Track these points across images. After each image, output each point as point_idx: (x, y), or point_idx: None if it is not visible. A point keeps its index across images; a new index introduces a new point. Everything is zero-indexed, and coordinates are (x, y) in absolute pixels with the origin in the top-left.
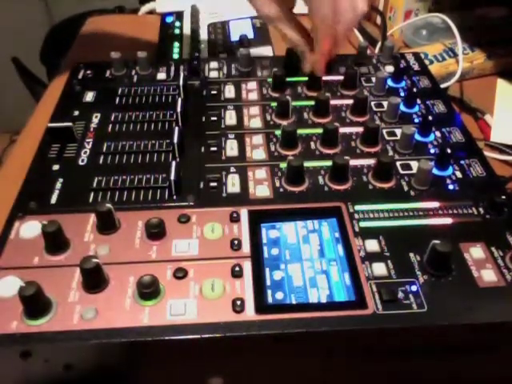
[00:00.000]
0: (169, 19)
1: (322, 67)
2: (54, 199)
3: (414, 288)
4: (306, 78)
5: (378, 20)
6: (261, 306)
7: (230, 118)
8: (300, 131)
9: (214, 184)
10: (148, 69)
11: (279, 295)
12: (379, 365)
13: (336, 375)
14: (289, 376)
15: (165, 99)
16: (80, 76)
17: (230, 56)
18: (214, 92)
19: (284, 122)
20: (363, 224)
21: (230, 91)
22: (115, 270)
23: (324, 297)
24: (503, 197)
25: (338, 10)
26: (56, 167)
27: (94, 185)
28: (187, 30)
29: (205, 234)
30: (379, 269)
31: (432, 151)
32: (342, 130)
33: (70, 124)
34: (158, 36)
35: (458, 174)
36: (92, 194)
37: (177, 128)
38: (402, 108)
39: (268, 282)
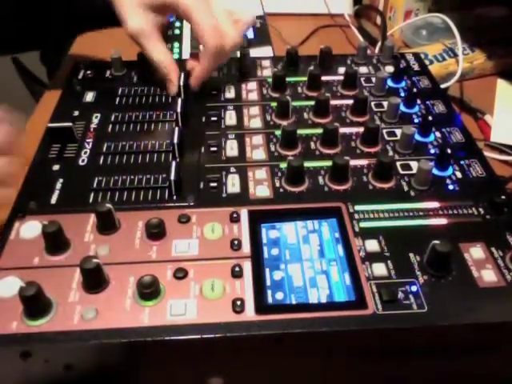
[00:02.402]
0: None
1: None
2: (54, 199)
3: (414, 288)
4: (305, 78)
5: (378, 20)
6: (261, 306)
7: (230, 118)
8: (300, 131)
9: (214, 184)
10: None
11: (279, 295)
12: (379, 365)
13: (336, 375)
14: (289, 376)
15: (165, 99)
16: (80, 76)
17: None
18: (213, 92)
19: (284, 122)
20: (363, 224)
21: (229, 91)
22: (115, 270)
23: (324, 297)
24: (503, 197)
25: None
26: (56, 167)
27: (94, 185)
28: (187, 30)
29: (205, 234)
30: (379, 269)
31: (432, 151)
32: (342, 130)
33: (69, 124)
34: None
35: (458, 174)
36: (92, 194)
37: (177, 128)
38: (402, 108)
39: (268, 282)
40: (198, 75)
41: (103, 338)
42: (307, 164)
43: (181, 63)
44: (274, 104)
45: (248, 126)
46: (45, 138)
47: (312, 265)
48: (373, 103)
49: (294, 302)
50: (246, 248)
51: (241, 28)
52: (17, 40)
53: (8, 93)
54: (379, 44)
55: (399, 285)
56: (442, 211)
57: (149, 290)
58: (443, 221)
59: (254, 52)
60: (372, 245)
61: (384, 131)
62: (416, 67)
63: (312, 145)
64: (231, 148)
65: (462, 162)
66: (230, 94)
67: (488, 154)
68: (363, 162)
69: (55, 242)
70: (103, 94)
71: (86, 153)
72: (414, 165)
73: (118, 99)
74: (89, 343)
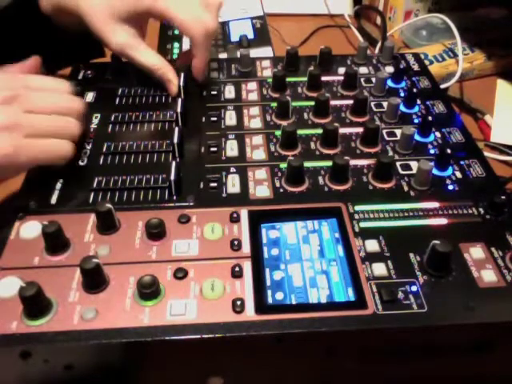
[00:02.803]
0: None
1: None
2: (54, 199)
3: (414, 288)
4: (305, 79)
5: (378, 20)
6: (261, 306)
7: (230, 118)
8: (300, 131)
9: (214, 184)
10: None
11: (279, 295)
12: (379, 365)
13: (336, 375)
14: (289, 376)
15: (165, 99)
16: (80, 76)
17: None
18: (214, 92)
19: (284, 123)
20: (363, 224)
21: (229, 91)
22: (115, 270)
23: (324, 297)
24: (503, 197)
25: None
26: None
27: (94, 185)
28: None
29: (205, 235)
30: (379, 269)
31: (432, 151)
32: (342, 130)
33: None
34: (157, 36)
35: (458, 175)
36: (92, 194)
37: (177, 128)
38: (402, 108)
39: (268, 282)
40: (198, 67)
41: (103, 338)
42: (307, 164)
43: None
44: (274, 104)
45: (248, 126)
46: None
47: (312, 265)
48: (373, 103)
49: (294, 302)
50: (246, 248)
51: (214, 12)
52: None
53: None
54: (379, 44)
55: (399, 285)
56: (442, 211)
57: (149, 290)
58: (443, 221)
59: (254, 52)
60: (372, 245)
61: (384, 131)
62: (416, 67)
63: (312, 145)
64: (231, 148)
65: (461, 162)
66: (230, 94)
67: (488, 154)
68: (363, 162)
69: (55, 242)
70: (103, 94)
71: (85, 153)
72: (414, 165)
73: (117, 99)
74: (89, 343)
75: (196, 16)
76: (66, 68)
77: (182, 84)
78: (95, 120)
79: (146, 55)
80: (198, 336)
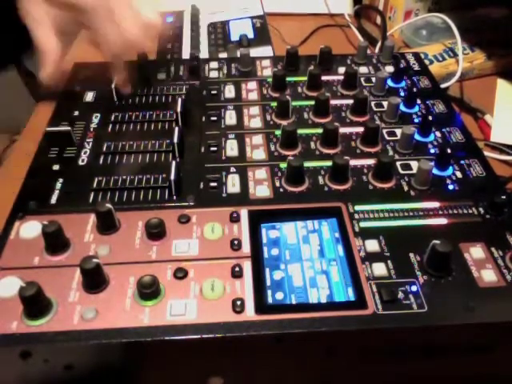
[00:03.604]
0: (169, 19)
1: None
2: (53, 199)
3: (414, 288)
4: (305, 78)
5: (378, 20)
6: (261, 306)
7: (230, 117)
8: (300, 131)
9: (213, 184)
10: None
11: (279, 295)
12: (379, 365)
13: (336, 375)
14: (289, 376)
15: (165, 99)
16: (80, 76)
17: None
18: (214, 92)
19: (284, 122)
20: (363, 224)
21: (230, 91)
22: (115, 270)
23: (324, 297)
24: (503, 197)
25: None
26: (56, 167)
27: (94, 185)
28: (187, 30)
29: (205, 234)
30: (379, 269)
31: (432, 151)
32: (342, 130)
33: (68, 128)
34: (157, 36)
35: (458, 174)
36: (92, 194)
37: (177, 128)
38: (402, 108)
39: (268, 282)
40: (120, 82)
41: (103, 338)
42: (307, 164)
43: (181, 63)
44: (274, 104)
45: (248, 125)
46: (43, 141)
47: (312, 265)
48: (373, 103)
49: (294, 302)
50: (246, 248)
51: (150, 33)
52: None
53: (8, 93)
54: (379, 44)
55: (399, 285)
56: (442, 211)
57: (149, 290)
58: (443, 221)
59: (254, 52)
60: (372, 245)
61: (384, 131)
62: (416, 67)
63: (312, 145)
64: (231, 148)
65: (461, 162)
66: (230, 93)
67: (488, 153)
68: (363, 161)
69: (55, 241)
70: (103, 94)
71: (85, 153)
72: (414, 165)
73: (117, 99)
74: (89, 343)
75: (120, 35)
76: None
77: (181, 84)
78: (95, 120)
79: (45, 35)
80: (198, 336)
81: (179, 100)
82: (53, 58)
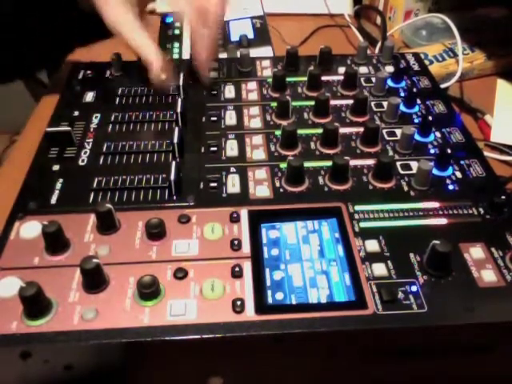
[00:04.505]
0: (169, 19)
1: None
2: (54, 199)
3: (414, 288)
4: (305, 78)
5: (378, 20)
6: (261, 306)
7: (230, 118)
8: (300, 131)
9: (213, 184)
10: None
11: (279, 295)
12: (379, 365)
13: (336, 375)
14: (289, 376)
15: (165, 99)
16: (80, 76)
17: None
18: (213, 92)
19: (284, 122)
20: (363, 224)
21: (230, 91)
22: (115, 270)
23: (324, 297)
24: (503, 197)
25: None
26: (56, 167)
27: (94, 185)
28: (187, 30)
29: (205, 235)
30: (379, 269)
31: (432, 151)
32: (342, 130)
33: (68, 129)
34: (157, 36)
35: (458, 175)
36: (92, 194)
37: (177, 128)
38: (402, 108)
39: (268, 283)
40: (198, 58)
41: (103, 338)
42: (307, 164)
43: (181, 63)
44: (273, 104)
45: (248, 126)
46: (43, 142)
47: (312, 265)
48: (373, 103)
49: (294, 302)
50: (246, 248)
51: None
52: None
53: (8, 93)
54: (379, 44)
55: (399, 285)
56: (442, 211)
57: (149, 290)
58: (443, 221)
59: (254, 52)
60: (372, 245)
61: (384, 131)
62: (416, 67)
63: (312, 145)
64: (231, 148)
65: (461, 162)
66: (230, 93)
67: (488, 154)
68: (363, 161)
69: (55, 241)
70: (103, 94)
71: (85, 153)
72: (414, 165)
73: (117, 99)
74: (89, 343)
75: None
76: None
77: (181, 84)
78: (95, 120)
79: (135, 34)
80: (198, 336)
81: (179, 100)
82: (159, 67)
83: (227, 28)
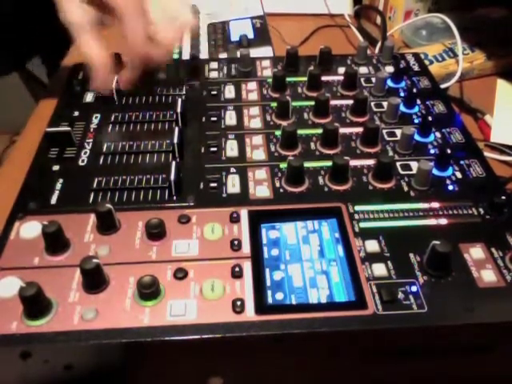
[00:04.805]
0: None
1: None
2: (54, 199)
3: (414, 288)
4: (305, 78)
5: (378, 20)
6: (261, 306)
7: (230, 118)
8: (300, 131)
9: (213, 184)
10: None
11: (279, 296)
12: (379, 365)
13: (336, 375)
14: (289, 376)
15: (165, 99)
16: (80, 76)
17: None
18: (213, 92)
19: (284, 123)
20: (363, 224)
21: (230, 91)
22: (115, 270)
23: (324, 297)
24: (503, 197)
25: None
26: (56, 167)
27: (94, 185)
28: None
29: (205, 235)
30: (379, 269)
31: (432, 152)
32: (342, 130)
33: (68, 129)
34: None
35: (458, 175)
36: (92, 195)
37: (177, 128)
38: (402, 108)
39: (268, 283)
40: (124, 80)
41: (103, 338)
42: (307, 164)
43: (181, 63)
44: (273, 104)
45: (248, 126)
46: (43, 142)
47: (312, 265)
48: (373, 103)
49: (294, 303)
50: (246, 248)
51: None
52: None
53: (8, 93)
54: (379, 44)
55: (399, 285)
56: (442, 211)
57: (149, 290)
58: (443, 221)
59: (254, 52)
60: (372, 245)
61: (384, 131)
62: (416, 67)
63: (312, 145)
64: (231, 148)
65: (461, 162)
66: (230, 93)
67: (488, 154)
68: (363, 162)
69: (55, 242)
70: (103, 94)
71: (85, 153)
72: (414, 165)
73: (117, 99)
74: (89, 343)
75: (145, 35)
76: None
77: (181, 84)
78: (95, 120)
79: (89, 42)
80: (198, 336)
81: (179, 100)
82: (102, 71)
83: (227, 28)
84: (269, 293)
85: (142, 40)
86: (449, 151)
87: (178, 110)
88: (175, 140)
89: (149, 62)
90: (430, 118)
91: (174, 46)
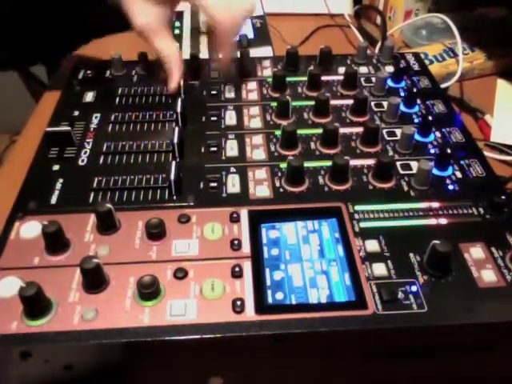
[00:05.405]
0: None
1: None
2: (54, 199)
3: (414, 288)
4: (305, 78)
5: (378, 20)
6: (261, 306)
7: (230, 118)
8: (300, 131)
9: (213, 184)
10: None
11: (279, 295)
12: (379, 365)
13: (336, 375)
14: (289, 376)
15: (165, 99)
16: (80, 76)
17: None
18: (213, 92)
19: (284, 122)
20: (363, 224)
21: (230, 91)
22: (115, 270)
23: (324, 297)
24: (503, 197)
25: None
26: (56, 167)
27: (94, 185)
28: (187, 30)
29: (205, 234)
30: (379, 269)
31: (432, 151)
32: (342, 130)
33: (68, 129)
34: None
35: (458, 174)
36: (92, 194)
37: (177, 128)
38: (402, 108)
39: (268, 283)
40: (224, 60)
41: (103, 338)
42: (307, 164)
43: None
44: (273, 104)
45: (248, 126)
46: (43, 142)
47: (312, 265)
48: (373, 103)
49: (294, 302)
50: (246, 248)
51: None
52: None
53: (8, 93)
54: (379, 44)
55: (399, 285)
56: (442, 211)
57: (149, 290)
58: (443, 221)
59: (254, 52)
60: (372, 245)
61: (384, 131)
62: (416, 67)
63: (312, 145)
64: (231, 148)
65: (461, 162)
66: (230, 94)
67: (488, 154)
68: (363, 162)
69: (55, 241)
70: (103, 94)
71: (85, 153)
72: (414, 165)
73: (117, 99)
74: (89, 343)
75: (225, 6)
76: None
77: (181, 84)
78: (95, 120)
79: (163, 42)
80: (198, 336)
81: (179, 100)
82: (179, 73)
83: None
84: (269, 293)
85: (224, 11)
86: (449, 151)
87: (178, 109)
88: (175, 140)
89: (234, 30)
90: (430, 118)
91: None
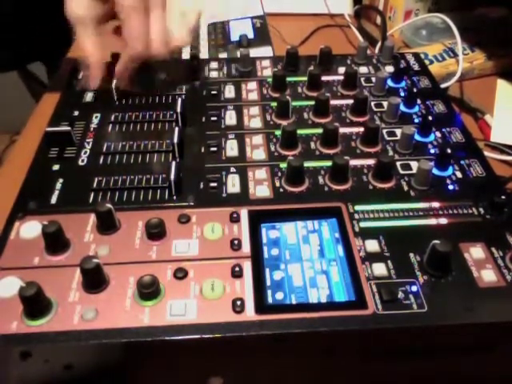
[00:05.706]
0: None
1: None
2: (54, 199)
3: (414, 288)
4: (305, 78)
5: (378, 20)
6: (261, 306)
7: (230, 118)
8: (300, 131)
9: (213, 184)
10: None
11: (279, 295)
12: (379, 365)
13: (336, 375)
14: (289, 376)
15: (165, 99)
16: (80, 76)
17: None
18: (214, 92)
19: (284, 122)
20: (363, 224)
21: (230, 91)
22: (115, 270)
23: (324, 297)
24: (503, 197)
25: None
26: (56, 167)
27: (94, 185)
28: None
29: (205, 234)
30: (379, 269)
31: (432, 151)
32: (342, 130)
33: (68, 128)
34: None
35: (458, 174)
36: (92, 194)
37: (177, 128)
38: (402, 108)
39: (268, 282)
40: (117, 75)
41: (103, 338)
42: (307, 164)
43: (182, 63)
44: (273, 104)
45: (248, 125)
46: (43, 142)
47: (312, 265)
48: (373, 103)
49: (294, 302)
50: (246, 248)
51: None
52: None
53: (8, 92)
54: (379, 44)
55: (399, 285)
56: (442, 211)
57: (149, 290)
58: (443, 221)
59: (254, 52)
60: (372, 245)
61: (384, 131)
62: (416, 67)
63: (312, 145)
64: (231, 148)
65: (462, 162)
66: (230, 94)
67: (488, 154)
68: (363, 161)
69: (55, 241)
70: (103, 94)
71: (85, 153)
72: (414, 165)
73: (117, 99)
74: (89, 343)
75: (144, 35)
76: None
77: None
78: (95, 120)
79: (87, 40)
80: (198, 336)
81: (179, 100)
82: (94, 68)
83: (227, 28)
84: (269, 292)
85: (138, 36)
86: (449, 151)
87: (178, 109)
88: (175, 140)
89: (143, 58)
90: (430, 118)
91: (186, 45)
